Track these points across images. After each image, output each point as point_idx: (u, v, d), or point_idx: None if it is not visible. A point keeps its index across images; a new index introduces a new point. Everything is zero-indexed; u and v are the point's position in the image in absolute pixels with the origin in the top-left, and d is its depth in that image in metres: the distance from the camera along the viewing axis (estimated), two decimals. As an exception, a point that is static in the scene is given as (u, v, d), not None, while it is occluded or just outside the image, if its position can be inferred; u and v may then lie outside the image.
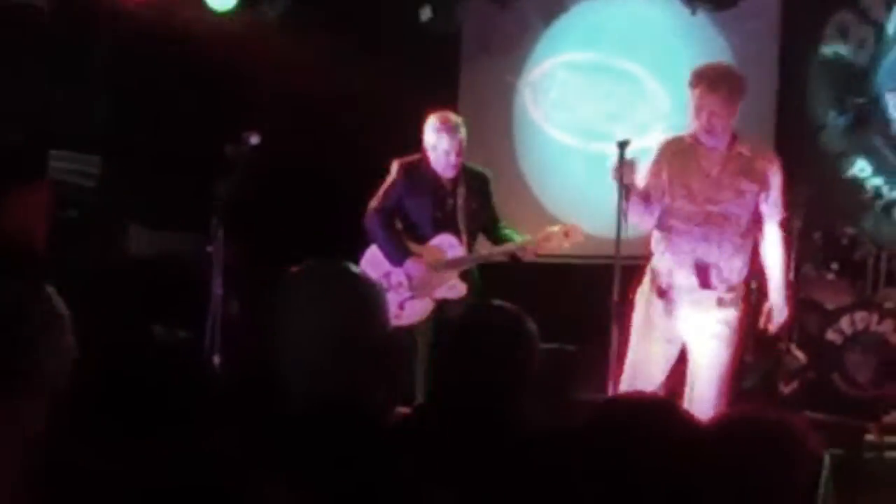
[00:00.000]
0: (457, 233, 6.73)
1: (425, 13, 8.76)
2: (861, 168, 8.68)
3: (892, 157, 8.57)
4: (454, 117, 6.83)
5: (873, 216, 8.42)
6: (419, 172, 6.75)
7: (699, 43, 8.95)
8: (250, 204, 7.15)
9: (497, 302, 2.96)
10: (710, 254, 5.75)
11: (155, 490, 1.96)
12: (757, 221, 5.81)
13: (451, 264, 6.70)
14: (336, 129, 8.61)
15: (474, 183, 6.83)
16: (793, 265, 6.89)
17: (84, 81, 8.38)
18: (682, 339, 5.84)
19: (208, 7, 8.43)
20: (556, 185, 9.56)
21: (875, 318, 7.29)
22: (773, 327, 5.89)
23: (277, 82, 8.28)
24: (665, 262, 5.87)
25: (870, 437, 6.94)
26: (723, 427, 2.22)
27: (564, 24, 9.60)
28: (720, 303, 5.77)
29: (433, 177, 6.74)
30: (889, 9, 8.61)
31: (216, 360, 6.65)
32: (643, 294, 5.93)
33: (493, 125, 9.74)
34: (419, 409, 2.80)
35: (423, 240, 6.75)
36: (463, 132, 6.72)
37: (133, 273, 7.73)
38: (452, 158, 6.68)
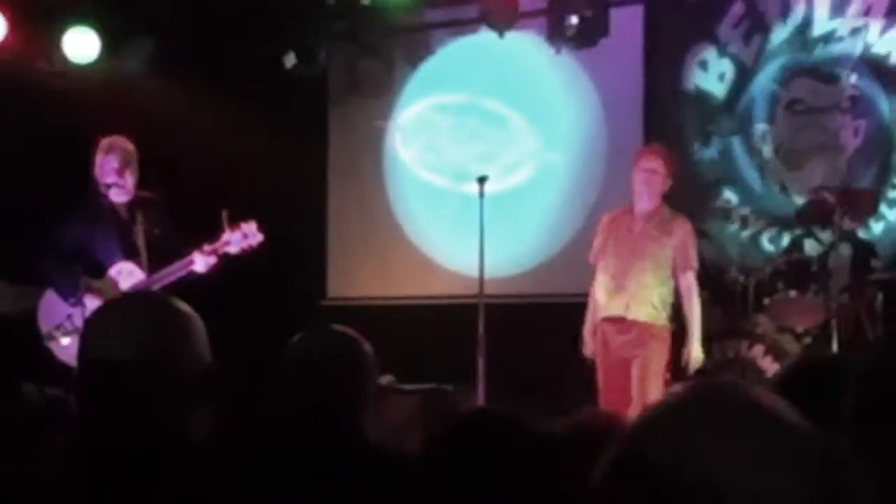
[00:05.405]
0: (137, 259, 6.56)
1: (289, 59, 8.75)
2: (728, 198, 8.82)
3: (759, 186, 8.72)
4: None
5: (740, 245, 8.54)
6: (95, 205, 6.62)
7: (564, 82, 9.07)
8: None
9: (336, 326, 2.96)
10: None
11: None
12: None
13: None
14: (204, 179, 8.52)
15: (152, 210, 6.70)
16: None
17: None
18: None
19: (67, 59, 8.28)
20: (428, 227, 9.58)
21: (745, 344, 7.38)
22: None
23: (142, 135, 8.17)
24: None
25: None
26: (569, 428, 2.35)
27: (432, 67, 9.66)
28: None
29: (109, 208, 6.62)
30: (746, 43, 8.80)
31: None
32: None
33: (365, 168, 9.76)
34: (253, 433, 2.77)
35: (101, 272, 6.56)
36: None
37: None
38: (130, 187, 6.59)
